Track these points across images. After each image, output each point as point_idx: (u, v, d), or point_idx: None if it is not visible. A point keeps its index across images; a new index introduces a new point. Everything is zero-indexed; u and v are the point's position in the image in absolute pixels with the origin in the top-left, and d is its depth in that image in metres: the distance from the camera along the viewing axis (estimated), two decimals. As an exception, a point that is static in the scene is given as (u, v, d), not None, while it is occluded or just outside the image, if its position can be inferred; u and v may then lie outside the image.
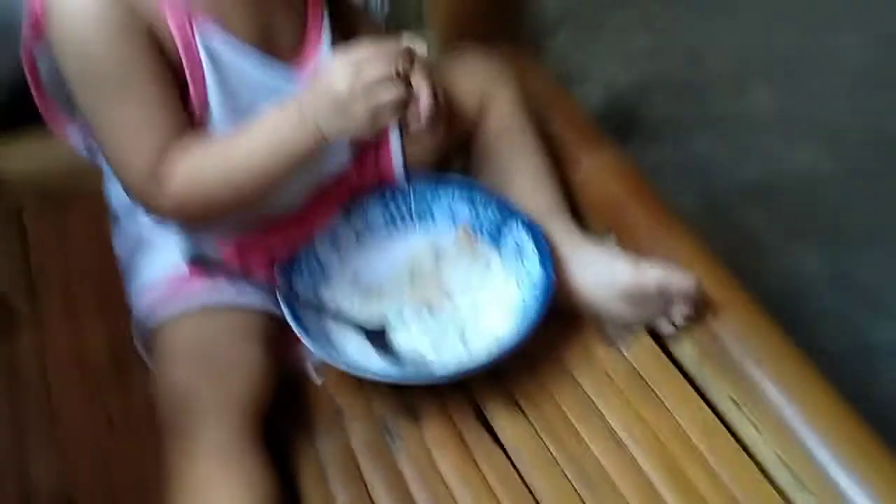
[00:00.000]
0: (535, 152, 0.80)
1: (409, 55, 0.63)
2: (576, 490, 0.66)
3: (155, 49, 0.63)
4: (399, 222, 0.79)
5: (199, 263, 0.70)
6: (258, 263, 0.74)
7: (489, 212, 0.77)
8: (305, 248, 0.76)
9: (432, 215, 0.79)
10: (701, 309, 0.73)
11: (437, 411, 0.71)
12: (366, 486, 0.67)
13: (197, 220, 0.69)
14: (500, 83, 0.81)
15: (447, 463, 0.68)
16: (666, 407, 0.70)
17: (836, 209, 1.47)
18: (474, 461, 0.68)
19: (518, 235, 0.75)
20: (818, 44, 1.79)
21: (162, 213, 0.67)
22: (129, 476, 0.69)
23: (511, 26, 1.03)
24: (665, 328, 0.73)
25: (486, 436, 0.70)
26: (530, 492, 0.66)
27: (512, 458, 0.68)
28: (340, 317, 0.73)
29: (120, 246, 0.77)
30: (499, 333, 0.71)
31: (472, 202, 0.78)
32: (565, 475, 0.67)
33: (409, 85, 0.63)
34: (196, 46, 0.64)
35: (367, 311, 0.74)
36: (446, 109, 0.72)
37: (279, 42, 0.70)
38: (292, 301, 0.71)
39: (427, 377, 0.70)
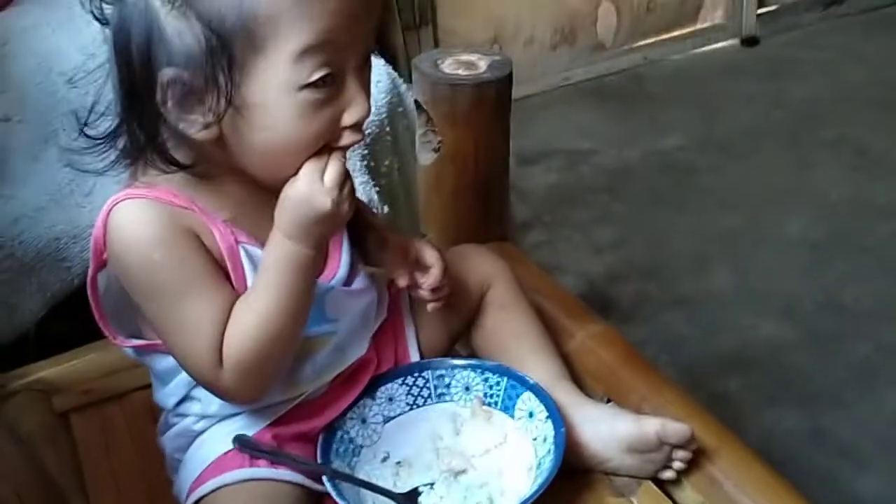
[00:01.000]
0: (534, 325, 0.90)
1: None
2: None
3: (204, 249, 0.72)
4: (420, 401, 0.88)
5: (244, 446, 0.78)
6: (293, 446, 0.82)
7: (501, 385, 0.86)
8: (337, 427, 0.84)
9: (449, 391, 0.88)
10: (697, 456, 0.81)
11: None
12: None
13: (259, 380, 0.74)
14: (496, 269, 0.92)
15: None
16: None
17: (805, 372, 1.58)
18: None
19: (530, 403, 0.84)
20: (770, 221, 1.96)
21: (230, 390, 0.73)
22: None
23: (497, 227, 1.17)
24: (666, 475, 0.81)
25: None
26: None
27: None
28: (375, 488, 0.80)
29: (166, 441, 0.84)
30: (522, 491, 0.78)
31: (484, 378, 0.87)
32: None
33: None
34: (239, 255, 0.73)
35: (399, 485, 0.81)
36: (454, 293, 0.86)
37: None
38: (333, 475, 0.78)
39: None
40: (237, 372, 0.72)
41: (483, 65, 1.05)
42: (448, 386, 0.88)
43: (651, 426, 0.79)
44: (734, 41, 2.80)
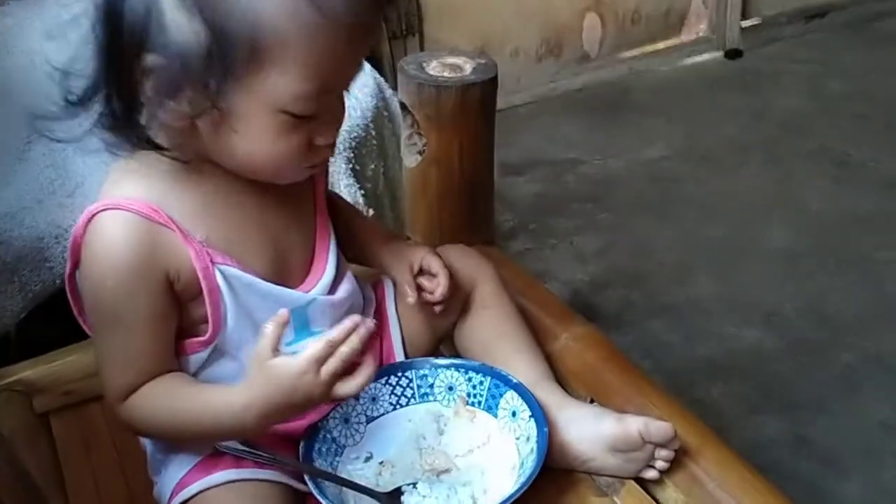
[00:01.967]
0: (518, 326, 0.91)
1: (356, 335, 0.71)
2: None
3: (165, 294, 0.72)
4: (403, 400, 0.88)
5: (228, 446, 0.77)
6: (276, 446, 0.82)
7: (484, 384, 0.86)
8: (320, 426, 0.83)
9: (432, 391, 0.88)
10: (680, 456, 0.81)
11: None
12: None
13: (147, 435, 0.80)
14: (482, 270, 0.92)
15: None
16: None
17: (787, 381, 1.59)
18: None
19: (513, 402, 0.84)
20: (753, 232, 1.98)
21: (122, 422, 0.76)
22: None
23: (482, 231, 1.17)
24: (649, 474, 0.81)
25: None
26: None
27: None
28: (358, 487, 0.80)
29: (148, 442, 0.83)
30: (505, 491, 0.78)
31: (467, 378, 0.87)
32: None
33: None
34: (214, 278, 0.73)
35: (381, 484, 0.81)
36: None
37: (290, 263, 0.80)
38: (315, 475, 0.78)
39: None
40: (130, 421, 0.76)
41: (468, 68, 1.06)
42: (431, 386, 0.88)
43: (634, 425, 0.79)
44: (718, 53, 2.82)
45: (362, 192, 1.25)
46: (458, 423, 0.86)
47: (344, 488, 0.80)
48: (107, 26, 0.66)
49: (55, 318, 0.75)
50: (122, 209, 0.71)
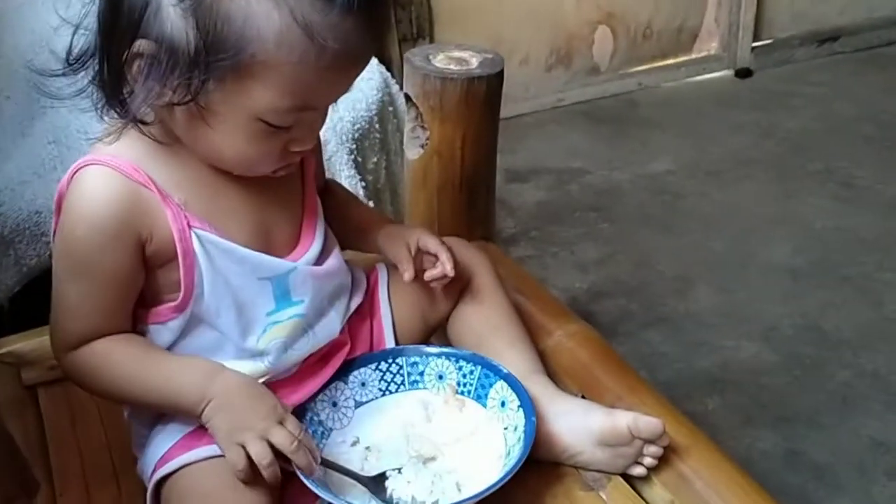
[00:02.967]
0: (512, 319, 0.90)
1: None
2: None
3: (134, 255, 0.73)
4: (392, 387, 0.88)
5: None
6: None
7: (474, 374, 0.86)
8: (307, 408, 0.83)
9: (422, 378, 0.87)
10: (668, 454, 0.81)
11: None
12: None
13: (88, 388, 0.79)
14: (477, 261, 0.92)
15: None
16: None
17: (782, 395, 1.58)
18: None
19: (503, 392, 0.83)
20: (755, 248, 1.97)
21: (64, 370, 0.77)
22: None
23: (481, 226, 1.17)
24: (637, 471, 0.81)
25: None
26: None
27: None
28: (343, 470, 0.79)
29: (134, 416, 0.83)
30: (490, 479, 0.77)
31: (458, 366, 0.87)
32: None
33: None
34: (190, 241, 0.73)
35: (367, 469, 0.81)
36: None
37: (274, 236, 0.80)
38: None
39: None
40: (74, 372, 0.76)
41: (475, 61, 1.06)
42: (421, 373, 0.87)
43: (623, 419, 0.78)
44: (728, 72, 2.83)
45: (363, 184, 1.25)
46: (446, 412, 0.85)
47: (328, 470, 0.79)
48: (109, 1, 0.68)
49: (49, 293, 0.75)
50: (104, 164, 0.72)
